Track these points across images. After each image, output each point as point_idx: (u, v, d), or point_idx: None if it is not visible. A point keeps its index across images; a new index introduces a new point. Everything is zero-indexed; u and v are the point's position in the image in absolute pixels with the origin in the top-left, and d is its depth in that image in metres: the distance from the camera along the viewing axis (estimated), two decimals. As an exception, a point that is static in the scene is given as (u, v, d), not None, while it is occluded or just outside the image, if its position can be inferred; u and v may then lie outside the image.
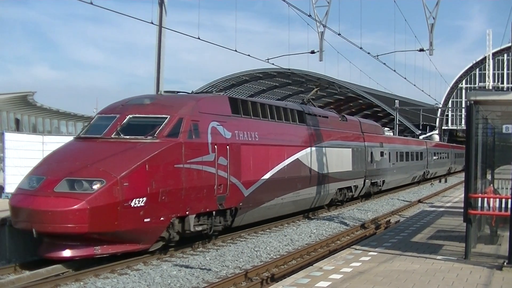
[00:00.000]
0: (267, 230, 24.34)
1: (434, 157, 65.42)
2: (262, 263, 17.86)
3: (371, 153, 38.45)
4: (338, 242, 21.99)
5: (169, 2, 29.87)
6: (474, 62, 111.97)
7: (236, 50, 26.41)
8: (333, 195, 31.84)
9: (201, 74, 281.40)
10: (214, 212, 20.11)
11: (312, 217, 28.89)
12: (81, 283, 15.03)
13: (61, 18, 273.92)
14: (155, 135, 17.92)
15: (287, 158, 25.44)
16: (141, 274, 15.90)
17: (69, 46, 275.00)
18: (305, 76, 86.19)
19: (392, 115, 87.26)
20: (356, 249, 16.11)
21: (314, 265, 14.21)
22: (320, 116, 31.02)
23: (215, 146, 19.82)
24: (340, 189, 32.86)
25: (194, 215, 18.86)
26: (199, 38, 23.43)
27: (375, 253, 15.36)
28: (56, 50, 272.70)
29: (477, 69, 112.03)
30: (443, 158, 72.49)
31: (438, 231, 19.76)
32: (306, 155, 27.58)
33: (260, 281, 15.24)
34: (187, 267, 16.91)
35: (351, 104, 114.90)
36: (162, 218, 17.47)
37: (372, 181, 38.93)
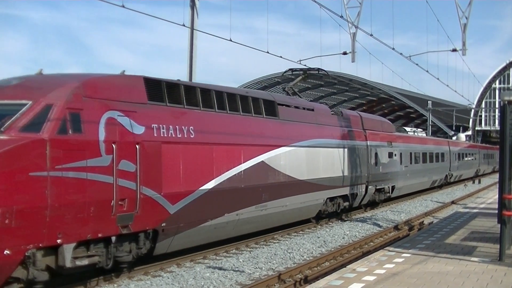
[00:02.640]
0: (300, 232, 24.34)
1: (459, 159, 59.55)
2: (295, 264, 17.85)
3: (376, 154, 32.74)
4: (371, 243, 21.94)
5: (200, 4, 30.14)
6: (508, 62, 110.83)
7: (268, 52, 26.38)
8: (321, 206, 26.01)
9: (233, 76, 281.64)
10: (113, 238, 14.56)
11: (345, 219, 28.82)
12: (115, 285, 15.10)
13: (94, 22, 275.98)
14: (1, 129, 12.56)
15: (245, 161, 19.71)
16: (174, 276, 15.96)
17: (102, 49, 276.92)
18: (337, 77, 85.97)
19: (425, 116, 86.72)
20: (389, 251, 16.07)
21: (347, 266, 14.21)
22: (302, 108, 25.40)
23: (113, 145, 14.36)
24: (331, 199, 26.95)
25: (73, 244, 13.40)
26: (231, 40, 23.44)
27: (409, 255, 15.31)
28: (89, 53, 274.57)
29: (511, 69, 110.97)
30: (469, 159, 66.72)
31: (472, 232, 19.63)
32: (277, 157, 21.83)
33: (293, 282, 15.24)
34: (220, 269, 16.96)
35: (384, 105, 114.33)
36: (7, 252, 12.05)
37: (378, 187, 33.16)
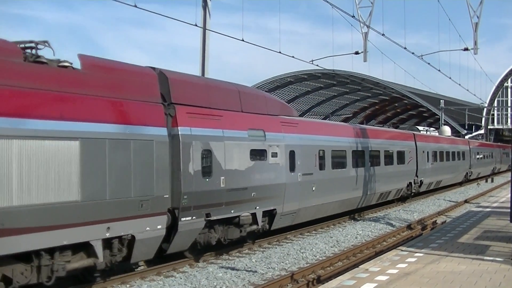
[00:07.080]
0: (313, 232, 24.30)
1: (435, 159, 42.93)
2: (308, 264, 17.85)
3: (208, 152, 17.08)
4: (384, 243, 21.91)
5: (212, 4, 30.23)
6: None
7: (280, 52, 26.45)
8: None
9: (246, 76, 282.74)
10: None
11: (358, 218, 28.78)
12: (127, 285, 15.12)
13: (107, 22, 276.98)
14: None
15: None
16: (187, 277, 15.99)
17: (115, 49, 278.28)
18: (349, 77, 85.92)
19: (438, 115, 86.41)
20: (402, 250, 16.07)
21: (360, 266, 14.22)
22: None
23: None
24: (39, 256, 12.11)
25: None
26: (243, 40, 23.49)
27: (422, 254, 15.30)
28: (102, 53, 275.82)
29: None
30: (454, 159, 49.69)
31: (484, 231, 19.59)
32: None
33: (306, 283, 15.23)
34: (233, 269, 16.97)
35: (396, 105, 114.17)
36: None
37: (218, 218, 17.56)
